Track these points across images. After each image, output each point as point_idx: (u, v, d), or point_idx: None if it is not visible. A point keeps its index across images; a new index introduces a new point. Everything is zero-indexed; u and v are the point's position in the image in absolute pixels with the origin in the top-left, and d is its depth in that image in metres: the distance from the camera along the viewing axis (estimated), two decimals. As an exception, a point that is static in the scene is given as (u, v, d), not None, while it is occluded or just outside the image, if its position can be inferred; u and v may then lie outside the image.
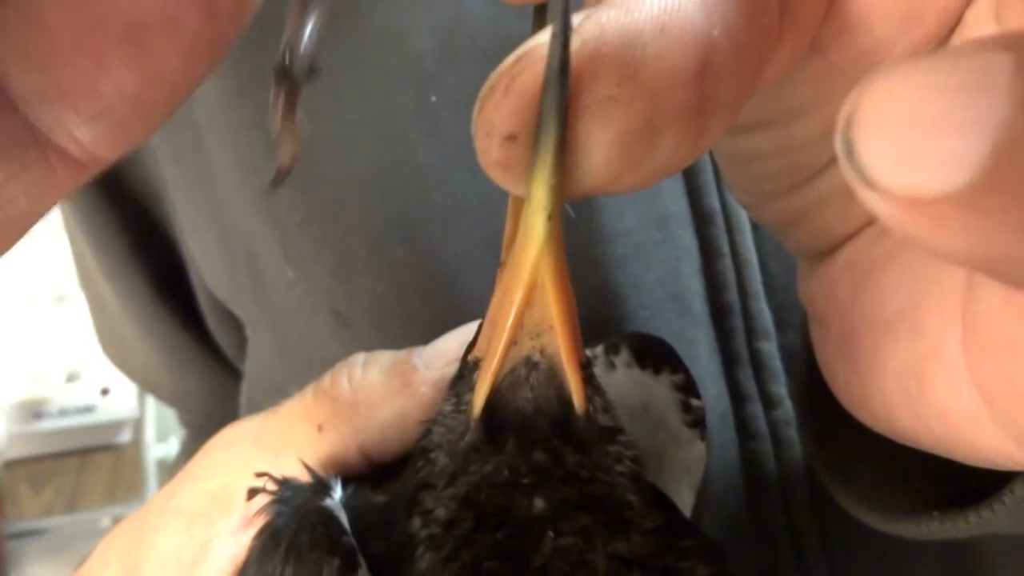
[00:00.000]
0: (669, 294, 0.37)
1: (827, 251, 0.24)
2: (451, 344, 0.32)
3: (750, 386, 0.37)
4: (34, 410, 1.81)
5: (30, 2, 0.14)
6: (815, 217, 0.24)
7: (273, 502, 0.28)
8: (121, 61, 0.14)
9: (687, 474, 0.31)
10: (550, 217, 0.18)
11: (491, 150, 0.18)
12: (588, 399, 0.22)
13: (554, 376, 0.21)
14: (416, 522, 0.25)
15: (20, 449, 1.80)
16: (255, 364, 0.50)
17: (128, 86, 0.14)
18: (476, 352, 0.23)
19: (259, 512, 0.27)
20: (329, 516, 0.26)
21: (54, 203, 0.15)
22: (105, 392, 1.84)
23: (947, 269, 0.20)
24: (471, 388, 0.23)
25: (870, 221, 0.23)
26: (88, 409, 1.84)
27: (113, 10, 0.14)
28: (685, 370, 0.30)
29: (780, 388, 0.37)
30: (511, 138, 0.18)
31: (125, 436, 1.90)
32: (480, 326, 0.26)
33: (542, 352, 0.21)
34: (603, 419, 0.23)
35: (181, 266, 0.55)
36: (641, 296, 0.37)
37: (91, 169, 0.16)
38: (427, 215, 0.39)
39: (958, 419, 0.20)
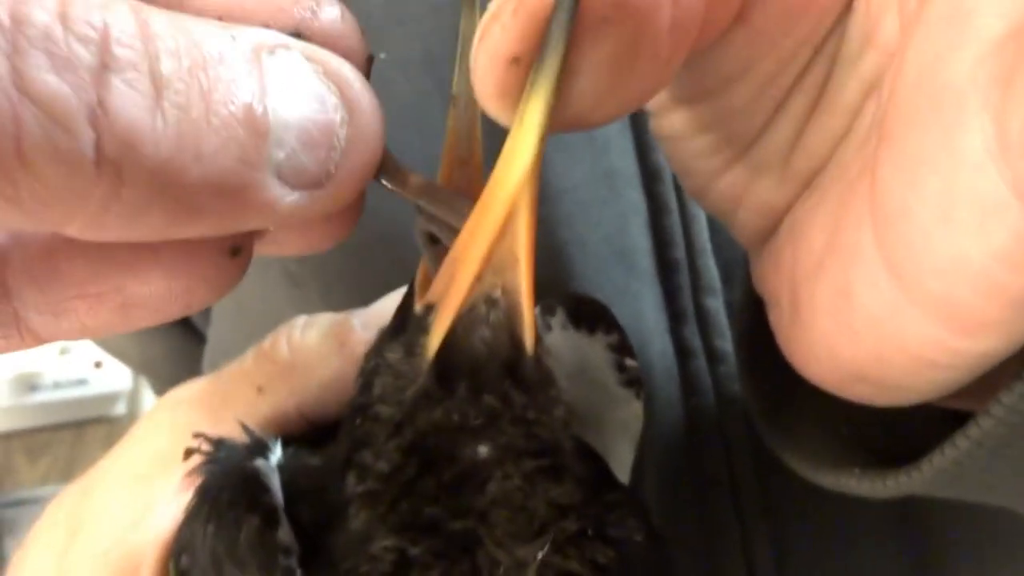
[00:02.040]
0: (615, 251, 0.37)
1: (771, 228, 0.25)
2: (389, 305, 0.31)
3: (695, 342, 0.37)
4: (28, 383, 1.81)
5: (54, 251, 0.19)
6: (756, 190, 0.24)
7: (206, 462, 0.27)
8: (108, 322, 0.20)
9: (625, 432, 0.31)
10: (542, 139, 0.18)
11: (493, 75, 0.18)
12: (537, 339, 0.22)
13: (510, 315, 0.21)
14: (351, 480, 0.24)
15: (15, 421, 1.80)
16: (217, 330, 0.50)
17: (99, 331, 0.20)
18: (429, 297, 0.22)
19: (192, 472, 0.27)
20: (252, 474, 0.25)
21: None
22: (98, 365, 1.83)
23: (860, 181, 0.21)
24: (425, 331, 0.22)
25: (805, 184, 0.24)
26: (81, 382, 1.83)
27: (117, 290, 0.19)
28: (620, 330, 0.30)
29: (726, 344, 0.37)
30: (515, 61, 0.18)
31: (120, 408, 1.89)
32: (411, 283, 0.25)
33: (502, 289, 0.21)
34: (548, 361, 0.23)
35: None
36: (587, 254, 0.36)
37: (48, 341, 0.20)
38: None
39: (884, 316, 0.20)
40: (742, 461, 0.37)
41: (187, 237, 0.18)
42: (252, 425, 0.29)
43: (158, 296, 0.20)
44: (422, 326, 0.22)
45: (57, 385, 1.82)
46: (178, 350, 0.56)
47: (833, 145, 0.22)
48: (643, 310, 0.37)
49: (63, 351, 1.81)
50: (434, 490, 0.22)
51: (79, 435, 1.84)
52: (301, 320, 0.32)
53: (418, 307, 0.23)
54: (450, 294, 0.21)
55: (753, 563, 0.37)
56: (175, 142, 0.16)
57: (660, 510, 0.36)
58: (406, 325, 0.23)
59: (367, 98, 0.19)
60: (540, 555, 0.22)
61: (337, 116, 0.18)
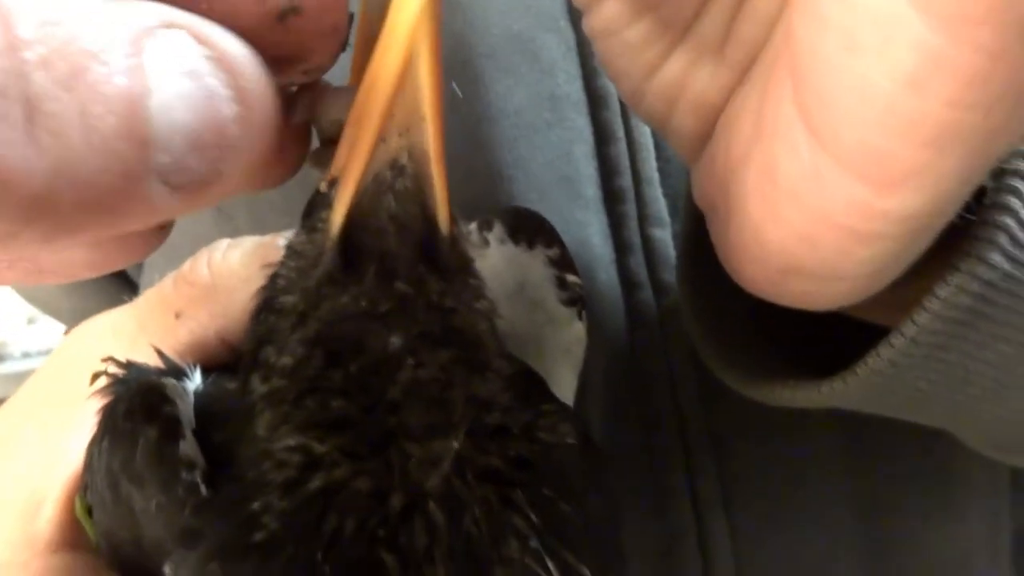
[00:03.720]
0: (560, 177, 0.34)
1: (707, 132, 0.23)
2: None
3: (641, 274, 0.34)
4: (-4, 353, 1.75)
5: None
6: (692, 85, 0.22)
7: (113, 383, 0.24)
8: (16, 280, 0.18)
9: (567, 356, 0.28)
10: None
11: None
12: (453, 219, 0.19)
13: (420, 185, 0.18)
14: (255, 381, 0.21)
15: (-17, 390, 1.74)
16: (148, 275, 0.46)
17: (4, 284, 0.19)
18: (332, 171, 0.19)
19: (98, 393, 0.24)
20: (154, 388, 0.22)
21: None
22: (67, 334, 1.78)
23: (783, 48, 0.19)
24: (328, 206, 0.19)
25: (740, 76, 0.22)
26: (50, 351, 1.77)
27: (31, 259, 0.18)
28: (561, 244, 0.27)
29: (672, 276, 0.34)
30: None
31: (88, 377, 1.84)
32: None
33: (409, 154, 0.18)
34: (465, 245, 0.20)
35: None
36: (529, 178, 0.33)
37: None
38: None
39: (806, 184, 0.19)
40: (688, 392, 0.34)
41: (66, 245, 0.16)
42: (170, 353, 0.26)
43: (75, 263, 0.18)
44: (325, 202, 0.19)
45: (26, 355, 1.76)
46: (113, 302, 0.52)
47: (766, 32, 0.21)
48: (589, 239, 0.34)
49: (31, 320, 1.75)
50: (341, 383, 0.20)
51: (48, 403, 1.78)
52: (224, 243, 0.29)
53: (323, 186, 0.19)
54: (352, 159, 0.18)
55: (698, 493, 0.34)
56: (50, 171, 0.13)
57: (605, 440, 0.34)
58: (312, 208, 0.20)
59: (261, 86, 0.16)
60: (455, 445, 0.19)
61: (228, 111, 0.15)
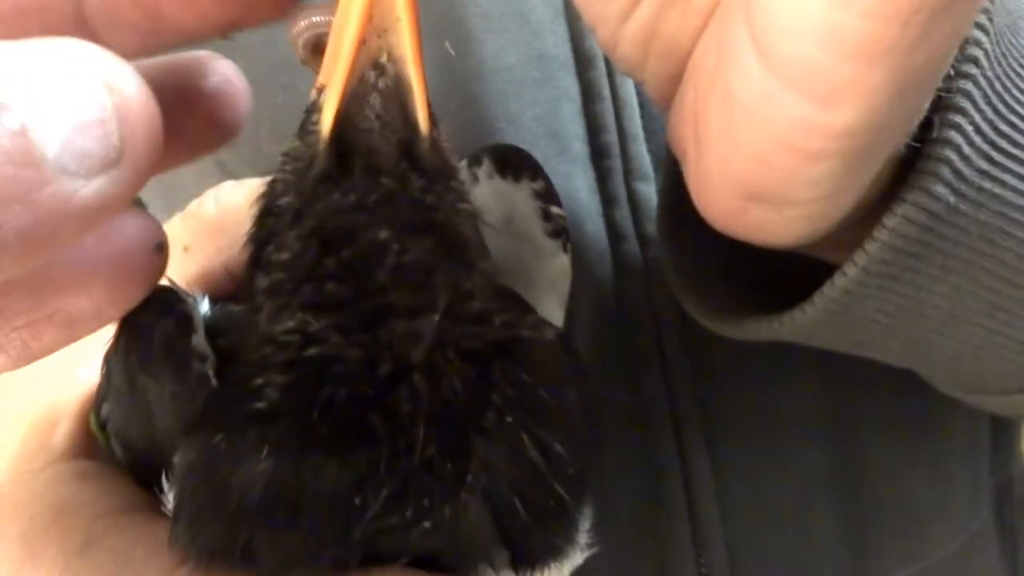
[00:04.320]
0: (547, 131, 0.35)
1: (678, 75, 0.24)
2: None
3: (627, 226, 0.36)
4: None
5: None
6: (662, 29, 0.23)
7: None
8: (54, 341, 0.20)
9: (554, 289, 0.29)
10: None
11: None
12: (433, 122, 0.20)
13: (400, 87, 0.20)
14: (259, 279, 0.22)
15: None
16: None
17: (44, 353, 0.21)
18: (321, 79, 0.21)
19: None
20: (168, 290, 0.23)
21: None
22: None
23: None
24: (318, 110, 0.21)
25: (707, 17, 0.23)
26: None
27: (61, 311, 0.19)
28: (545, 178, 0.28)
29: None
30: None
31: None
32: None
33: (389, 55, 0.20)
34: (446, 147, 0.21)
35: None
36: (518, 132, 0.35)
37: None
38: None
39: (758, 107, 0.20)
40: (672, 338, 0.36)
41: (13, 266, 0.16)
42: (180, 284, 0.28)
43: (101, 306, 0.20)
44: (315, 107, 0.21)
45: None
46: None
47: None
48: (576, 193, 0.36)
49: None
50: (335, 269, 0.21)
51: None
52: (229, 183, 0.30)
53: (312, 93, 0.21)
54: (337, 62, 0.19)
55: (682, 434, 0.36)
56: None
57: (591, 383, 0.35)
58: (304, 123, 0.22)
59: (118, 65, 0.16)
60: (436, 319, 0.20)
61: (95, 85, 0.16)
